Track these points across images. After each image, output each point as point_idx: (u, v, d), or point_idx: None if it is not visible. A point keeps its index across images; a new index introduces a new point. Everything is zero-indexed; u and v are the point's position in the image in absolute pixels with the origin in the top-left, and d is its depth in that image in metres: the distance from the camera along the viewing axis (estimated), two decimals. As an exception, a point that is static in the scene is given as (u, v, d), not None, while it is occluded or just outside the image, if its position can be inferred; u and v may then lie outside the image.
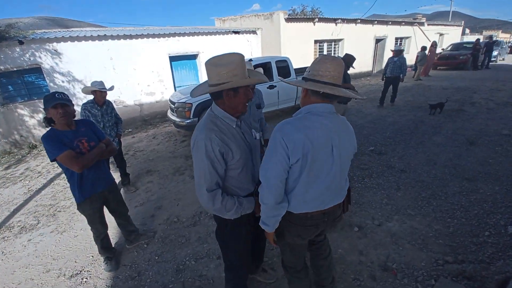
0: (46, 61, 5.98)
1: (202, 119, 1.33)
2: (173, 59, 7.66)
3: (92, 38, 6.29)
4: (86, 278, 2.36)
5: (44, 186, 4.38)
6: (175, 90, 7.61)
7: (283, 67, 6.26)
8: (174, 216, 3.11)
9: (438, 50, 14.12)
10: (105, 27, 11.08)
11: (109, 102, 3.48)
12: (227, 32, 8.05)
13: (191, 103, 5.25)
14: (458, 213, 2.59)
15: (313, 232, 1.33)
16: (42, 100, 1.96)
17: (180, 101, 5.43)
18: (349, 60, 3.67)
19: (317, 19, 10.39)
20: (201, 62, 8.04)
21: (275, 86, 6.06)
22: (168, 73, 7.61)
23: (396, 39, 14.56)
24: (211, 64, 1.20)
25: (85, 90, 3.27)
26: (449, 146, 4.28)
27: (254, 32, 8.57)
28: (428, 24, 16.00)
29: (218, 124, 1.28)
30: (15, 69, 5.72)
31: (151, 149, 5.52)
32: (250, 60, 5.96)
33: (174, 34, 7.24)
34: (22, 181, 4.66)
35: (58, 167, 3.40)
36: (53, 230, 3.15)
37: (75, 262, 2.58)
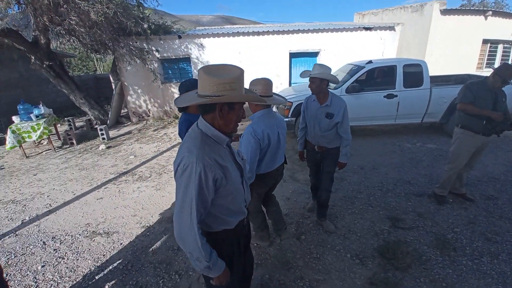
0: (194, 52, 7.49)
1: (188, 137, 1.14)
2: (293, 55, 7.72)
3: (228, 34, 7.28)
4: (148, 234, 2.84)
5: (167, 150, 5.61)
6: (290, 86, 7.72)
7: (414, 73, 4.96)
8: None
9: None
10: (262, 24, 12.54)
11: None
12: (355, 29, 7.21)
13: (292, 102, 5.15)
14: None
15: (272, 182, 2.17)
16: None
17: (282, 98, 5.45)
18: (507, 72, 2.38)
19: (490, 12, 7.49)
20: (321, 60, 7.68)
21: (396, 96, 4.93)
22: (285, 69, 7.77)
23: None
24: (207, 72, 1.02)
25: None
26: None
27: (391, 28, 7.22)
28: None
29: (209, 143, 1.10)
30: (173, 57, 7.52)
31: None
32: (370, 62, 5.09)
33: (297, 31, 7.23)
34: (158, 142, 6.17)
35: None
36: (154, 185, 3.99)
37: (151, 217, 3.17)
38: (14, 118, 5.55)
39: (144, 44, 7.10)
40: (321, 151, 2.46)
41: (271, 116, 1.93)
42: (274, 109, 5.83)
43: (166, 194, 3.71)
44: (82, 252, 2.57)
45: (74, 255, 2.53)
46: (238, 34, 7.28)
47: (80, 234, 2.85)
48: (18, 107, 5.57)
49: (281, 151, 2.06)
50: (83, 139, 6.69)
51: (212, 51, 7.45)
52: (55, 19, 5.02)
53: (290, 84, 8.01)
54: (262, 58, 7.56)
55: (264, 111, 1.90)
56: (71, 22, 5.01)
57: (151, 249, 2.58)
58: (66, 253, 2.57)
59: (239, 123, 1.17)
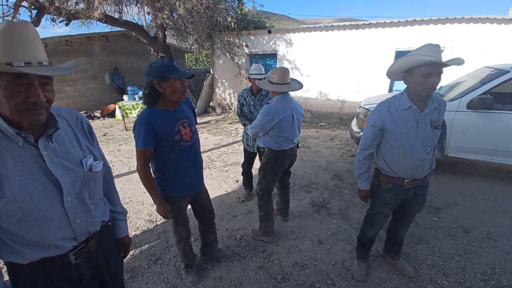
0: (281, 49, 7.05)
1: None
2: (401, 54, 6.02)
3: (320, 28, 6.41)
4: (147, 230, 2.63)
5: (227, 145, 5.46)
6: (390, 92, 6.12)
7: None
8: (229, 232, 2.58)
9: None
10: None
11: (267, 93, 3.00)
12: (506, 20, 4.81)
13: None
14: None
15: (287, 161, 2.38)
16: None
17: (365, 105, 4.23)
18: None
19: None
20: (443, 62, 5.66)
21: None
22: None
23: None
24: None
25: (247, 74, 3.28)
26: None
27: None
28: None
29: None
30: (261, 53, 7.33)
31: (315, 150, 4.99)
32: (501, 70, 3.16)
33: (411, 22, 5.52)
34: (224, 135, 6.09)
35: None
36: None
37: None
38: (124, 96, 6.79)
39: (236, 40, 7.25)
40: (414, 185, 1.66)
41: (287, 101, 2.20)
42: (354, 122, 4.63)
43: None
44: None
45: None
46: (332, 28, 6.29)
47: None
48: (127, 88, 6.77)
49: (295, 133, 2.30)
50: (172, 122, 7.51)
51: (300, 48, 6.79)
52: (154, 13, 5.69)
53: (390, 90, 6.35)
54: (355, 57, 6.27)
55: (279, 96, 2.19)
56: (163, 16, 5.54)
57: (133, 250, 2.33)
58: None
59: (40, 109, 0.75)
